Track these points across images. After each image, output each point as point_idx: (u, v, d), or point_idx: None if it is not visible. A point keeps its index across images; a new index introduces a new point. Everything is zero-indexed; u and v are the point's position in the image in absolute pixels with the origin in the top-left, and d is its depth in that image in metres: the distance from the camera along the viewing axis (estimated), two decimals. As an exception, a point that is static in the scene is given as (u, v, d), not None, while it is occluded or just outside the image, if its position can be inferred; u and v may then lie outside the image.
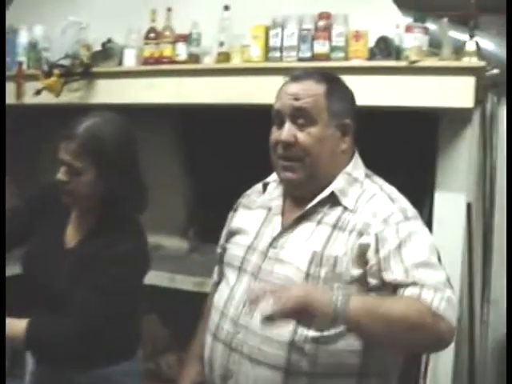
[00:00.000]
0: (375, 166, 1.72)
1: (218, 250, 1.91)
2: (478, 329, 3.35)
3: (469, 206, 3.09)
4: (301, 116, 1.57)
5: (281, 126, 1.60)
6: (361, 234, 1.51)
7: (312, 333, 1.49)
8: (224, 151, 3.33)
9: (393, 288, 1.43)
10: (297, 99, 1.58)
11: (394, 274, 1.43)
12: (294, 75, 1.64)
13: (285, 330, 1.49)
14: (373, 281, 1.48)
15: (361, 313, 1.35)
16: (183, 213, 3.70)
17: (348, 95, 1.68)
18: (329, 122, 1.58)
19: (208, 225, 3.37)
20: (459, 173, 2.60)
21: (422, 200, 1.66)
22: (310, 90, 1.58)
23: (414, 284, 1.40)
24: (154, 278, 3.03)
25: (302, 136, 1.57)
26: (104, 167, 1.74)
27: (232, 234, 1.79)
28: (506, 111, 2.94)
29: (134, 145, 1.85)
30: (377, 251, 1.47)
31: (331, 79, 1.64)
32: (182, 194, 3.67)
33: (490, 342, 3.38)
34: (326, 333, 1.48)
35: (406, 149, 2.87)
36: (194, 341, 1.91)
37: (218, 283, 1.85)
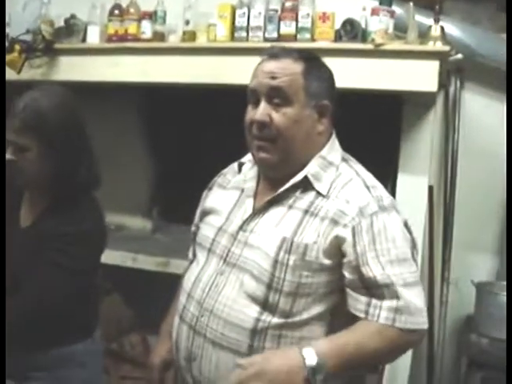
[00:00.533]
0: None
1: (192, 229, 1.88)
2: (438, 309, 3.42)
3: (431, 189, 3.13)
4: (277, 95, 1.53)
5: (256, 105, 1.56)
6: (335, 222, 1.49)
7: (276, 319, 1.49)
8: (188, 131, 3.31)
9: (367, 287, 1.45)
10: (273, 78, 1.53)
11: (372, 270, 1.44)
12: (272, 53, 1.59)
13: (248, 316, 1.49)
14: (350, 275, 1.47)
15: (336, 362, 1.38)
16: (146, 193, 3.68)
17: (327, 76, 1.64)
18: (306, 103, 1.54)
19: (171, 205, 3.37)
20: (422, 156, 2.64)
21: (384, 182, 1.66)
22: (288, 69, 1.54)
23: (388, 287, 1.43)
24: (117, 258, 3.03)
25: (277, 116, 1.53)
26: (47, 142, 1.70)
27: (205, 213, 1.77)
28: (506, 110, 2.95)
29: (79, 118, 1.80)
30: (354, 245, 1.46)
31: (310, 58, 1.60)
32: (146, 174, 3.64)
33: (449, 322, 3.45)
34: (290, 319, 1.49)
35: (370, 132, 2.89)
36: (166, 318, 1.88)
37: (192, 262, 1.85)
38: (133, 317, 3.38)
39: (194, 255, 1.80)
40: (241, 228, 1.60)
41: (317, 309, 1.51)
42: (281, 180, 1.59)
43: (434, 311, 3.38)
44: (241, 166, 1.76)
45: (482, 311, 3.05)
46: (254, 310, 1.50)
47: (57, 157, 1.73)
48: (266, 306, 1.50)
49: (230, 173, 1.81)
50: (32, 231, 1.79)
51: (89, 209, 1.83)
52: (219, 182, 1.82)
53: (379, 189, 1.57)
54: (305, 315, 1.50)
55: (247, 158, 1.75)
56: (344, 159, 1.64)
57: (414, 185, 2.63)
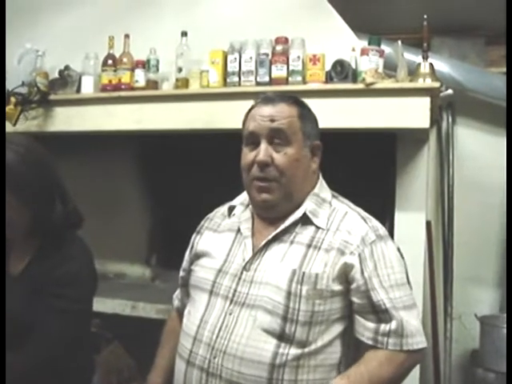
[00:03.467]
0: (335, 188, 1.74)
1: (182, 274, 1.90)
2: (442, 345, 3.39)
3: (428, 224, 3.13)
4: (277, 137, 1.60)
5: (255, 147, 1.62)
6: (341, 252, 1.56)
7: (293, 350, 1.52)
8: (184, 177, 3.32)
9: (375, 311, 1.53)
10: (273, 120, 1.60)
11: (380, 294, 1.53)
12: (266, 97, 1.67)
13: (266, 351, 1.51)
14: (358, 300, 1.55)
15: None
16: (145, 240, 3.66)
17: (315, 118, 1.72)
18: (303, 143, 1.63)
19: (170, 252, 3.35)
20: (418, 192, 2.64)
21: (382, 220, 1.68)
22: (285, 112, 1.62)
23: (392, 310, 1.52)
24: (116, 306, 3.00)
25: (278, 156, 1.59)
26: (21, 194, 1.71)
27: (198, 256, 1.78)
28: (506, 117, 2.97)
29: (44, 163, 1.80)
30: (362, 272, 1.54)
31: (301, 102, 1.69)
32: (143, 222, 3.64)
33: (454, 357, 3.42)
34: (306, 349, 1.52)
35: (365, 170, 2.90)
36: (159, 352, 1.89)
37: (179, 308, 1.86)
38: (134, 366, 3.33)
39: (184, 300, 1.84)
40: (244, 268, 1.62)
41: (330, 335, 1.56)
42: (277, 219, 1.65)
43: (438, 347, 3.35)
44: (232, 209, 1.80)
45: (486, 345, 3.04)
46: (271, 344, 1.52)
47: (33, 204, 1.73)
48: (282, 337, 1.52)
49: (217, 216, 1.84)
50: (23, 279, 1.77)
51: (74, 249, 1.82)
52: (209, 226, 1.84)
53: (373, 220, 1.66)
54: (319, 343, 1.54)
55: (238, 201, 1.79)
56: (333, 196, 1.72)
57: (412, 221, 2.63)
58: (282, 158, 1.59)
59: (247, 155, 1.64)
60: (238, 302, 1.59)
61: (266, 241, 1.63)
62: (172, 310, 1.97)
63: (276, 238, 1.63)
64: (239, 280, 1.61)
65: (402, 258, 1.64)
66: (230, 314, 1.58)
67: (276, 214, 1.66)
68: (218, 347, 1.55)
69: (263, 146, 1.60)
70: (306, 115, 1.66)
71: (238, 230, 1.71)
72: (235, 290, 1.61)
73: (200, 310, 1.66)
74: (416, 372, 2.56)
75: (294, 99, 1.67)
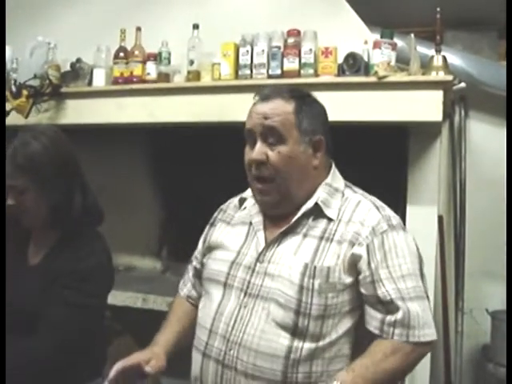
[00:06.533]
0: (347, 180, 1.73)
1: (196, 265, 1.88)
2: (453, 339, 3.38)
3: (440, 219, 3.12)
4: (270, 135, 1.58)
5: (253, 145, 1.61)
6: (352, 243, 1.55)
7: (307, 344, 1.52)
8: (195, 170, 3.32)
9: (382, 302, 1.52)
10: (266, 118, 1.58)
11: (385, 286, 1.52)
12: (263, 94, 1.64)
13: (280, 344, 1.51)
14: (365, 292, 1.54)
15: None
16: (155, 233, 3.68)
17: (319, 111, 1.68)
18: (299, 140, 1.59)
19: (180, 244, 3.36)
20: (430, 186, 2.63)
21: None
22: (279, 109, 1.59)
23: (399, 301, 1.50)
24: (127, 299, 3.02)
25: (272, 155, 1.58)
26: (41, 182, 1.73)
27: (211, 248, 1.78)
28: (506, 116, 2.96)
29: (69, 154, 1.83)
30: (369, 263, 1.53)
31: (301, 96, 1.64)
32: (154, 215, 3.65)
33: (465, 352, 3.41)
34: (320, 342, 1.53)
35: (377, 164, 2.89)
36: (162, 331, 1.80)
37: (192, 296, 1.86)
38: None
39: (198, 291, 1.83)
40: (257, 260, 1.62)
41: (343, 327, 1.55)
42: (286, 213, 1.64)
43: (449, 341, 3.34)
44: (242, 201, 1.80)
45: (497, 340, 3.03)
46: (284, 338, 1.52)
47: (52, 194, 1.75)
48: (296, 332, 1.52)
49: (230, 208, 1.84)
50: (41, 269, 1.80)
51: (94, 245, 1.83)
52: (221, 218, 1.84)
53: (387, 209, 1.64)
54: (334, 335, 1.54)
55: (249, 194, 1.77)
56: (347, 185, 1.71)
57: (424, 215, 2.62)
58: (275, 157, 1.57)
59: (247, 153, 1.64)
60: (253, 293, 1.59)
61: (280, 232, 1.62)
62: (178, 296, 1.92)
63: (289, 230, 1.62)
64: (253, 272, 1.61)
65: (417, 249, 1.62)
66: (245, 307, 1.58)
67: (278, 212, 1.65)
68: (234, 339, 1.56)
69: (258, 144, 1.60)
70: (305, 110, 1.61)
71: (250, 223, 1.71)
72: (249, 282, 1.60)
73: (215, 302, 1.65)
74: (426, 366, 2.57)
75: (293, 93, 1.63)
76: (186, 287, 1.92)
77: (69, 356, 1.70)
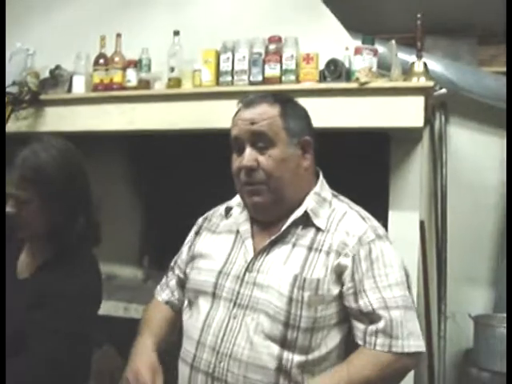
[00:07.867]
0: (329, 186, 1.73)
1: (179, 274, 1.85)
2: (436, 344, 3.38)
3: (422, 224, 3.13)
4: (259, 140, 1.58)
5: (241, 152, 1.60)
6: (338, 254, 1.54)
7: (297, 357, 1.50)
8: (176, 177, 3.30)
9: (365, 313, 1.50)
10: (253, 123, 1.58)
11: (368, 296, 1.50)
12: (247, 100, 1.64)
13: (271, 356, 1.49)
14: (349, 303, 1.53)
15: None
16: (136, 241, 3.65)
17: (303, 113, 1.69)
18: (288, 142, 1.59)
19: (162, 253, 3.33)
20: (412, 191, 2.64)
21: (376, 220, 1.67)
22: (265, 113, 1.59)
23: (383, 310, 1.48)
24: (109, 308, 2.98)
25: (263, 159, 1.57)
26: (47, 195, 1.69)
27: (194, 258, 1.75)
28: (506, 116, 2.96)
29: (79, 169, 1.79)
30: (352, 274, 1.52)
31: (284, 100, 1.65)
32: (135, 223, 3.63)
33: (448, 357, 3.41)
34: (310, 355, 1.51)
35: (359, 170, 2.89)
36: (140, 338, 1.81)
37: (171, 302, 1.83)
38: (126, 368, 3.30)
39: (180, 300, 1.81)
40: (246, 269, 1.60)
41: (333, 342, 1.54)
42: (276, 220, 1.62)
43: (432, 346, 3.35)
44: (229, 210, 1.77)
45: (480, 345, 3.03)
46: (274, 350, 1.50)
47: (57, 208, 1.71)
48: (285, 344, 1.50)
49: (215, 216, 1.82)
50: (29, 285, 1.75)
51: (87, 266, 1.79)
52: (207, 227, 1.81)
53: (372, 220, 1.63)
54: (323, 350, 1.52)
55: (235, 202, 1.76)
56: (334, 195, 1.70)
57: (406, 220, 2.62)
58: (267, 161, 1.57)
59: (235, 161, 1.63)
60: (242, 304, 1.56)
61: (268, 242, 1.60)
62: (155, 300, 1.89)
63: (278, 239, 1.60)
64: (242, 282, 1.59)
65: (402, 261, 1.60)
66: (235, 318, 1.56)
67: (271, 216, 1.64)
68: (224, 351, 1.53)
69: (247, 150, 1.59)
70: (290, 112, 1.62)
71: (237, 232, 1.69)
72: (238, 292, 1.58)
73: (202, 313, 1.63)
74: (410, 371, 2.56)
75: (276, 97, 1.64)
76: (164, 292, 1.88)
77: (52, 378, 1.64)
